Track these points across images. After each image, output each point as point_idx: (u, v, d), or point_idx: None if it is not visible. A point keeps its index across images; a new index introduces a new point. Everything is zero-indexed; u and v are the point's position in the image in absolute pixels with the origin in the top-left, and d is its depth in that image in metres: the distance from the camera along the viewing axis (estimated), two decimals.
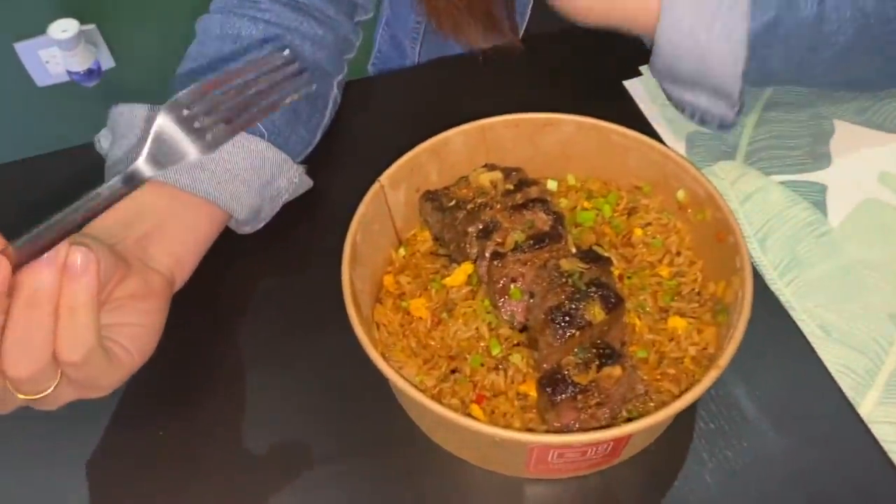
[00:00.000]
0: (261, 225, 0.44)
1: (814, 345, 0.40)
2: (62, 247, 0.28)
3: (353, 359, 0.34)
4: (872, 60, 0.46)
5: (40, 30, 1.15)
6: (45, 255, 0.28)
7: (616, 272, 0.39)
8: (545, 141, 0.43)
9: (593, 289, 0.36)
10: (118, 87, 1.26)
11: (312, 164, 0.47)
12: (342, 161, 0.49)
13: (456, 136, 0.42)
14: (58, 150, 0.53)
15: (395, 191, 0.41)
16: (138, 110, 0.42)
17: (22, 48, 1.17)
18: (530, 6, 0.55)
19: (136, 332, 0.35)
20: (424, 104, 0.52)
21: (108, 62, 1.22)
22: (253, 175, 0.41)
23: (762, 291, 0.42)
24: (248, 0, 0.47)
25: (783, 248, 0.44)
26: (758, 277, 0.43)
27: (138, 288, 0.35)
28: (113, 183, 0.30)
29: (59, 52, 1.16)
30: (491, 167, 0.42)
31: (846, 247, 0.44)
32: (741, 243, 0.36)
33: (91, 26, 1.18)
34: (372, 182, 0.40)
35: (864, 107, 0.51)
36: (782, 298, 0.42)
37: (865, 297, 0.42)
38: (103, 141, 0.44)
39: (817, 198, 0.46)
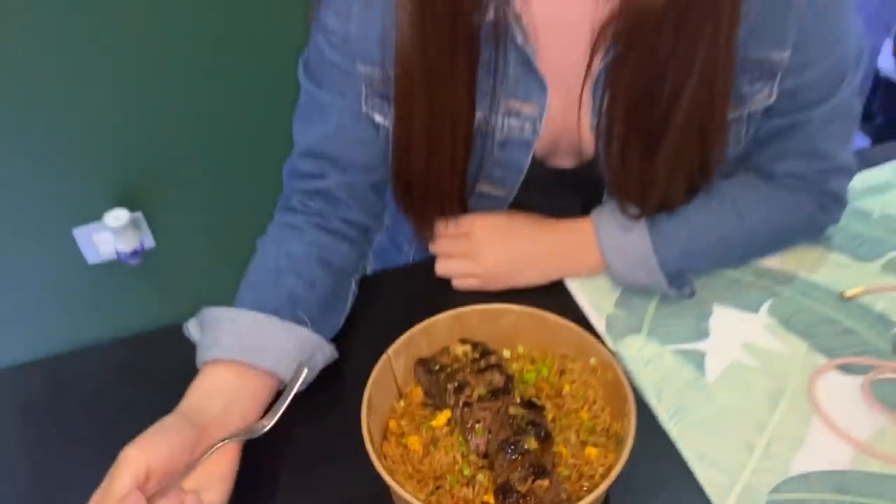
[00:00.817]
0: (304, 388, 0.62)
1: (691, 468, 0.57)
2: None
3: (364, 481, 0.51)
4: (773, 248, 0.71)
5: (95, 217, 1.38)
6: None
7: (549, 415, 0.57)
8: (501, 323, 0.62)
9: (531, 427, 0.53)
10: (157, 264, 1.47)
11: (337, 340, 0.65)
12: (359, 338, 0.68)
13: (440, 320, 0.61)
14: (114, 339, 0.70)
15: (397, 360, 0.59)
16: (223, 312, 0.60)
17: (79, 233, 1.39)
18: None
19: (220, 485, 0.52)
20: (418, 294, 0.72)
21: (149, 243, 1.44)
22: (300, 353, 0.60)
23: (656, 429, 0.60)
24: (297, 229, 0.68)
25: (672, 398, 0.62)
26: (653, 419, 0.60)
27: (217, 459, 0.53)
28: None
29: (110, 236, 1.38)
30: (464, 341, 0.61)
31: (718, 397, 0.62)
32: (629, 396, 0.54)
33: (138, 213, 1.40)
34: (381, 354, 0.58)
35: (733, 294, 0.70)
36: (671, 435, 0.59)
37: (730, 432, 0.59)
38: (192, 329, 0.62)
39: (699, 361, 0.65)
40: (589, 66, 0.59)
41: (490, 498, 0.52)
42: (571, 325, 0.60)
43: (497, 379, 0.57)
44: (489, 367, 0.57)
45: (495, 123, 0.63)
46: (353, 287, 0.69)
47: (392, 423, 0.58)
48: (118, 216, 1.35)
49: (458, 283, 0.71)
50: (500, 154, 0.65)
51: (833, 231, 0.75)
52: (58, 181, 1.35)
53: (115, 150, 1.36)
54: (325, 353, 0.62)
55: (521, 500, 0.50)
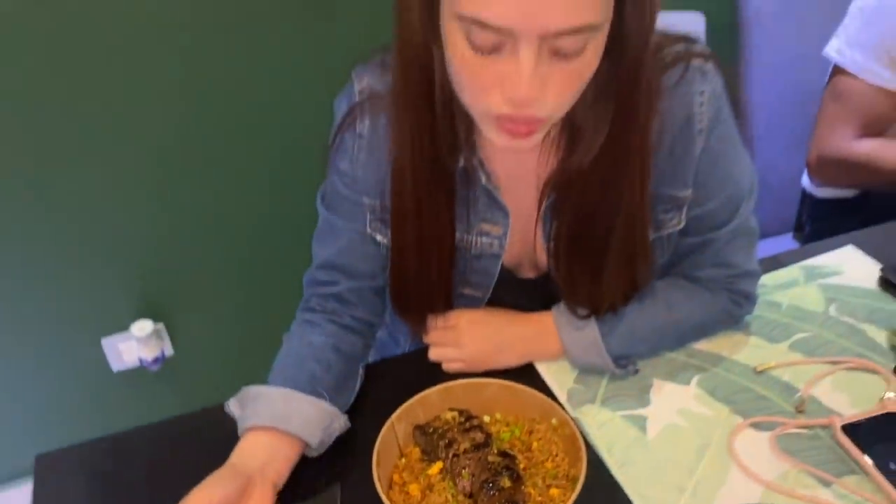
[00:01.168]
0: (322, 451, 0.77)
1: None
2: None
3: None
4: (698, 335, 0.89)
5: (123, 327, 1.54)
6: None
7: (521, 465, 0.72)
8: (483, 394, 0.78)
9: (505, 470, 0.68)
10: (175, 370, 1.62)
11: (349, 414, 0.81)
12: (366, 413, 0.83)
13: (432, 393, 0.77)
14: (138, 427, 0.85)
15: (399, 425, 0.75)
16: (261, 389, 0.76)
17: (106, 342, 1.55)
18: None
19: None
20: (413, 377, 0.88)
21: (169, 351, 1.60)
22: (321, 423, 0.75)
23: (608, 477, 0.75)
24: (315, 325, 0.85)
25: (620, 453, 0.77)
26: (605, 469, 0.75)
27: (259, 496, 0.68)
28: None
29: (135, 345, 1.53)
30: (452, 409, 0.76)
31: (657, 451, 0.77)
32: (581, 446, 0.70)
33: (160, 325, 1.57)
34: (385, 421, 0.74)
35: (669, 371, 0.87)
36: (619, 480, 0.74)
37: (666, 478, 0.74)
38: (234, 408, 0.77)
39: (641, 424, 0.80)
40: (539, 205, 0.79)
41: None
42: (537, 393, 0.76)
43: (479, 436, 0.72)
44: (472, 428, 0.73)
45: (471, 241, 0.82)
46: (361, 371, 0.86)
47: (395, 476, 0.73)
48: (143, 326, 1.51)
49: (447, 367, 0.87)
50: (475, 264, 0.84)
51: (750, 319, 0.93)
52: (90, 296, 1.52)
53: (141, 269, 1.53)
54: (340, 422, 0.77)
55: None
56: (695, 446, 0.78)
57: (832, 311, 0.94)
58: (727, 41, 1.51)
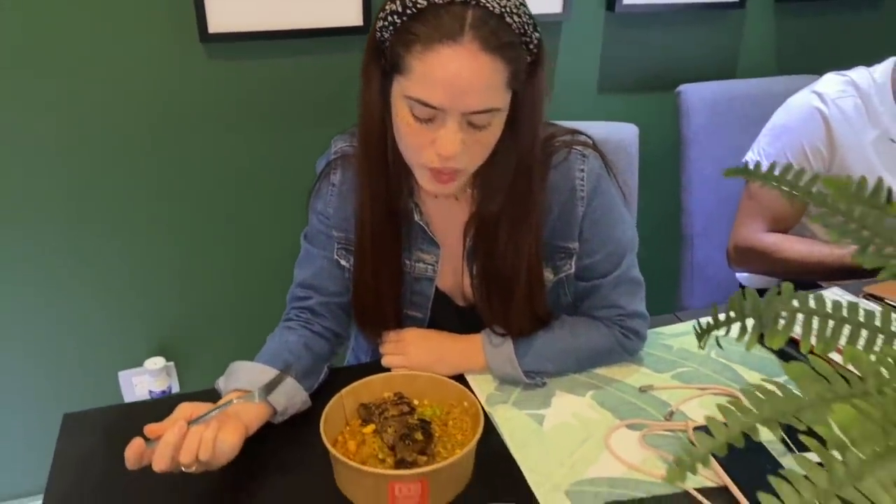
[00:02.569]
0: (285, 418, 0.98)
1: (525, 474, 0.92)
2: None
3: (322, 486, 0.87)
4: (596, 360, 1.10)
5: (137, 363, 1.77)
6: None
7: (436, 433, 0.93)
8: (415, 383, 1.00)
9: (420, 429, 0.89)
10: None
11: (313, 399, 1.02)
12: (328, 399, 1.05)
13: (376, 379, 0.99)
14: (153, 399, 1.08)
15: (347, 399, 0.96)
16: (243, 363, 0.99)
17: (122, 376, 1.78)
18: None
19: (226, 446, 0.88)
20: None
21: (175, 387, 1.82)
22: (286, 393, 0.97)
23: (507, 456, 0.95)
24: (292, 329, 1.08)
25: (519, 439, 0.98)
26: (505, 449, 0.96)
27: (233, 428, 0.89)
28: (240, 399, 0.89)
29: (147, 378, 1.76)
30: (392, 392, 0.98)
31: (548, 439, 0.98)
32: (481, 420, 0.91)
33: (171, 363, 1.80)
34: (336, 397, 0.96)
35: (571, 386, 1.08)
36: (515, 457, 0.95)
37: (551, 457, 0.95)
38: (220, 381, 1.00)
39: (540, 420, 1.01)
40: (463, 246, 1.04)
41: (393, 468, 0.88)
42: (456, 384, 0.98)
43: (405, 408, 0.94)
44: (402, 403, 0.95)
45: (412, 266, 1.08)
46: (326, 369, 1.08)
47: (339, 437, 0.94)
48: (156, 362, 1.75)
49: (395, 371, 1.09)
50: (415, 286, 1.09)
51: (644, 355, 1.15)
52: (110, 334, 1.77)
53: (157, 313, 1.78)
54: (301, 397, 0.99)
55: (409, 466, 0.86)
56: (579, 438, 0.98)
57: (712, 354, 1.16)
58: (670, 154, 1.80)
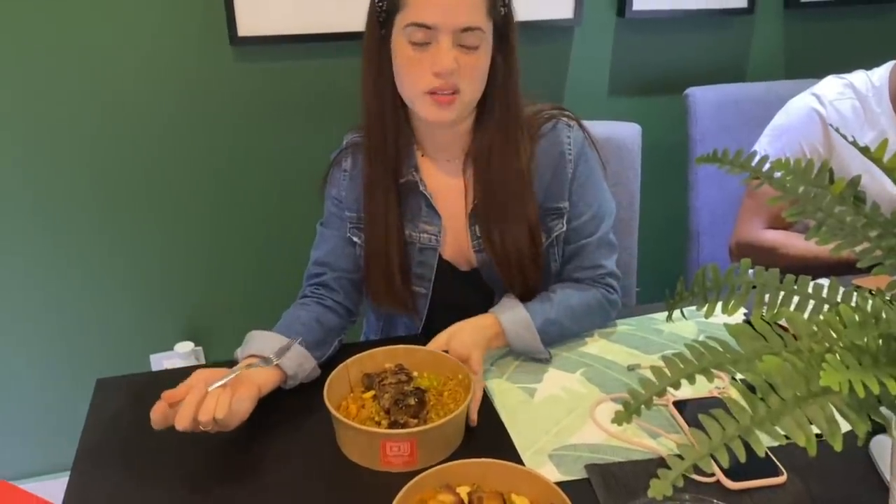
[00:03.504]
0: (296, 384, 1.07)
1: (512, 438, 0.99)
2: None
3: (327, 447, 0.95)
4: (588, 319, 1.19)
5: (168, 346, 1.89)
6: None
7: (431, 402, 1.00)
8: (415, 356, 1.08)
9: (414, 396, 0.97)
10: None
11: (322, 370, 1.11)
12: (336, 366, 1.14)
13: (379, 352, 1.08)
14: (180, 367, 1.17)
15: (352, 369, 1.04)
16: (260, 332, 1.08)
17: (154, 359, 1.89)
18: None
19: (240, 407, 0.97)
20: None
21: None
22: (297, 359, 1.06)
23: (498, 423, 1.02)
24: (306, 305, 1.18)
25: (510, 408, 1.05)
26: (497, 418, 1.03)
27: (246, 390, 0.98)
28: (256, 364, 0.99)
29: (177, 361, 1.87)
30: (394, 364, 1.07)
31: (537, 409, 1.05)
32: (472, 388, 0.99)
33: (199, 348, 1.91)
34: (342, 366, 1.04)
35: (562, 364, 1.15)
36: (505, 424, 1.02)
37: (538, 424, 1.02)
38: (238, 351, 1.09)
39: (531, 392, 1.09)
40: (466, 213, 1.14)
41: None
42: (451, 357, 1.06)
43: (403, 377, 1.02)
44: (401, 372, 1.03)
45: (416, 237, 1.18)
46: (336, 343, 1.17)
47: (343, 402, 1.03)
48: (185, 346, 1.85)
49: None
50: (419, 256, 1.18)
51: (634, 339, 1.22)
52: (143, 319, 1.88)
53: (187, 300, 1.90)
54: (310, 364, 1.08)
55: (401, 426, 0.94)
56: (566, 409, 1.06)
57: (700, 337, 1.22)
58: (678, 155, 1.87)
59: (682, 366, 0.65)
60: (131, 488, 0.93)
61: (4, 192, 1.71)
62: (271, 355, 1.02)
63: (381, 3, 1.07)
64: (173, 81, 1.69)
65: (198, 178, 1.79)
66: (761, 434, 0.60)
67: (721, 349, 0.67)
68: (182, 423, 0.91)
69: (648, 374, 1.14)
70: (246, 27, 1.66)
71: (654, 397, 0.72)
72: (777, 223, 1.59)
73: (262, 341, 1.06)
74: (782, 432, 0.58)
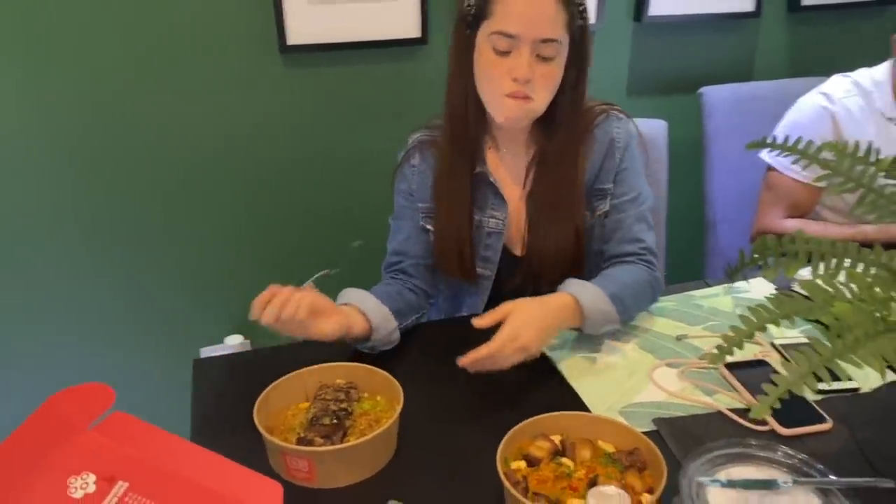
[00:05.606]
0: (376, 343, 1.18)
1: (581, 397, 1.11)
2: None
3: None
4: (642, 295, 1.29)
5: (218, 340, 1.98)
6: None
7: (359, 424, 1.12)
8: (374, 377, 1.19)
9: (332, 416, 0.96)
10: None
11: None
12: (406, 345, 1.25)
13: (338, 366, 1.19)
14: (272, 346, 1.28)
15: (311, 377, 1.05)
16: (352, 290, 1.20)
17: (205, 351, 1.99)
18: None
19: (325, 325, 1.09)
20: (446, 341, 1.29)
21: None
22: (382, 315, 1.17)
23: (567, 388, 1.14)
24: (388, 285, 1.29)
25: (576, 373, 1.17)
26: (566, 383, 1.15)
27: (337, 317, 1.10)
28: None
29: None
30: (347, 381, 1.08)
31: (600, 373, 1.17)
32: (398, 389, 1.10)
33: (248, 341, 2.01)
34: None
35: (617, 336, 1.27)
36: (573, 385, 1.14)
37: (603, 385, 1.14)
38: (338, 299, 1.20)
39: (592, 360, 1.20)
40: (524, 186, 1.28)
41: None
42: (397, 384, 1.01)
43: (341, 396, 1.02)
44: (344, 391, 1.03)
45: (485, 223, 1.30)
46: (414, 319, 1.28)
47: (293, 407, 1.04)
48: (235, 339, 1.95)
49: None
50: (487, 240, 1.31)
51: (679, 313, 1.34)
52: (195, 315, 1.98)
53: (236, 295, 1.99)
54: (392, 325, 1.19)
55: (307, 443, 0.93)
56: (627, 373, 1.18)
57: (738, 311, 1.34)
58: (692, 149, 2.00)
59: (766, 314, 0.77)
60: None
61: (75, 193, 1.81)
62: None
63: (469, 8, 1.16)
64: (227, 87, 1.79)
65: (248, 180, 1.90)
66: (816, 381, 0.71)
67: (796, 299, 0.79)
68: (268, 316, 1.06)
69: (695, 342, 1.27)
70: (294, 36, 1.77)
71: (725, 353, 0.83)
72: (795, 212, 1.72)
73: (356, 293, 1.20)
74: (859, 361, 0.70)
